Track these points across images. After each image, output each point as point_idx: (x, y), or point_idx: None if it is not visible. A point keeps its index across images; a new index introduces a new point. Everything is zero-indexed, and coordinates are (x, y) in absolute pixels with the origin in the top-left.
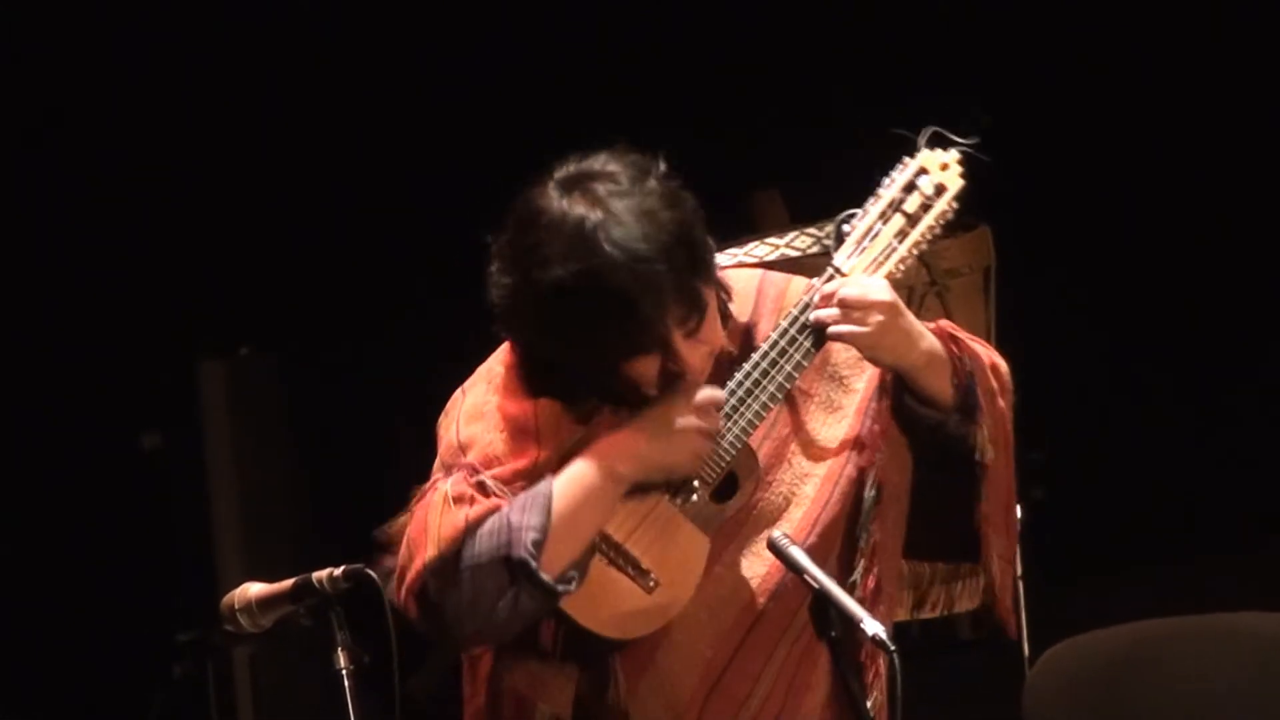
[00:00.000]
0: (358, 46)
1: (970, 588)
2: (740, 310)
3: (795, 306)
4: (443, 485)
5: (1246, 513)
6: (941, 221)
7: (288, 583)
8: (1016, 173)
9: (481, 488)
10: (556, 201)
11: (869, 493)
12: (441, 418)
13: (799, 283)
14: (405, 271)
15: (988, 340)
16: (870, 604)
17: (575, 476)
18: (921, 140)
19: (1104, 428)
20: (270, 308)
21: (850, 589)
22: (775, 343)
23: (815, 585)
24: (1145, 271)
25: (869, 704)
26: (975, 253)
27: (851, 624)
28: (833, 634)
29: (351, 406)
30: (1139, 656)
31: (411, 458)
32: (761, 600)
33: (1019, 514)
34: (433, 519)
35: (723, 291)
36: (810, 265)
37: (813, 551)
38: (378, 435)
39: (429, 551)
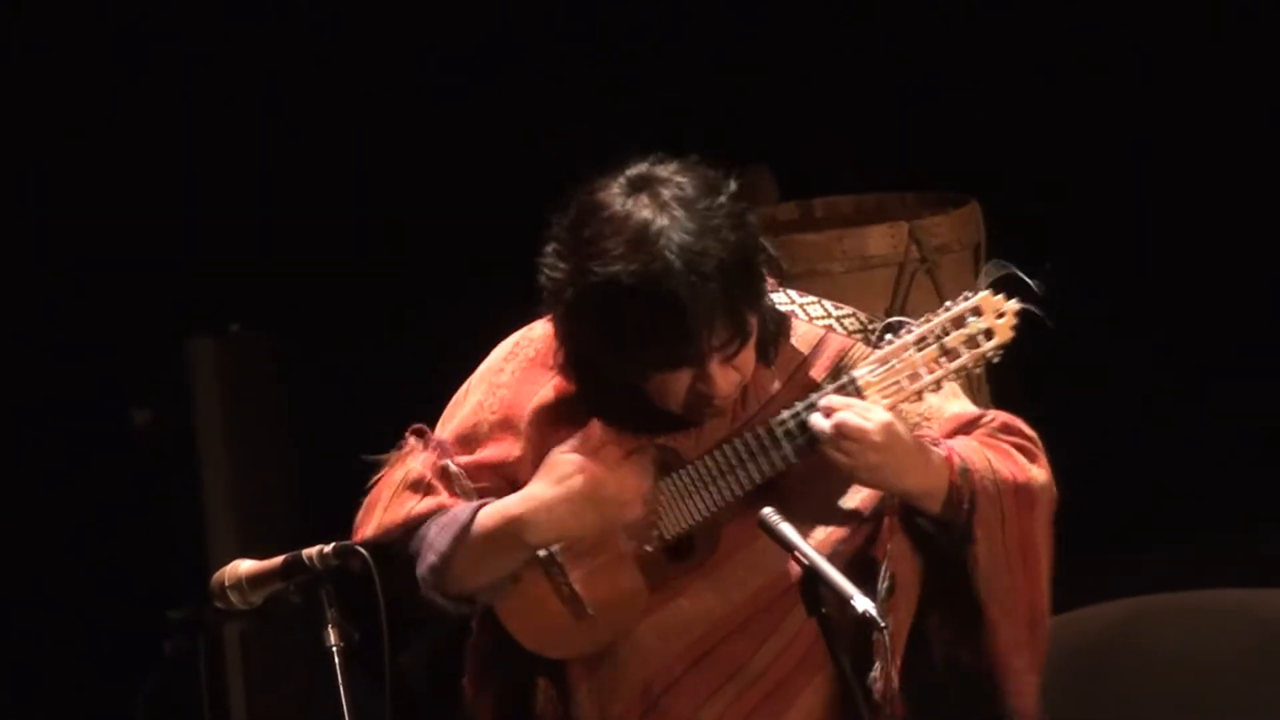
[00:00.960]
0: (351, 24)
1: None
2: (799, 345)
3: (805, 404)
4: (413, 463)
5: (1239, 492)
6: (979, 365)
7: (278, 560)
8: (1007, 148)
9: (443, 475)
10: (622, 199)
11: (883, 584)
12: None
13: (861, 349)
14: (398, 249)
15: None
16: (886, 701)
17: (490, 527)
18: (985, 279)
19: (1096, 405)
20: (261, 285)
21: (867, 687)
22: (782, 420)
23: (805, 562)
24: (1138, 247)
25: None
26: (965, 229)
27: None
28: (823, 611)
29: (343, 383)
30: (1131, 633)
31: (401, 435)
32: (718, 636)
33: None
34: (385, 496)
35: (773, 325)
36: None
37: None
38: (369, 412)
39: (370, 529)
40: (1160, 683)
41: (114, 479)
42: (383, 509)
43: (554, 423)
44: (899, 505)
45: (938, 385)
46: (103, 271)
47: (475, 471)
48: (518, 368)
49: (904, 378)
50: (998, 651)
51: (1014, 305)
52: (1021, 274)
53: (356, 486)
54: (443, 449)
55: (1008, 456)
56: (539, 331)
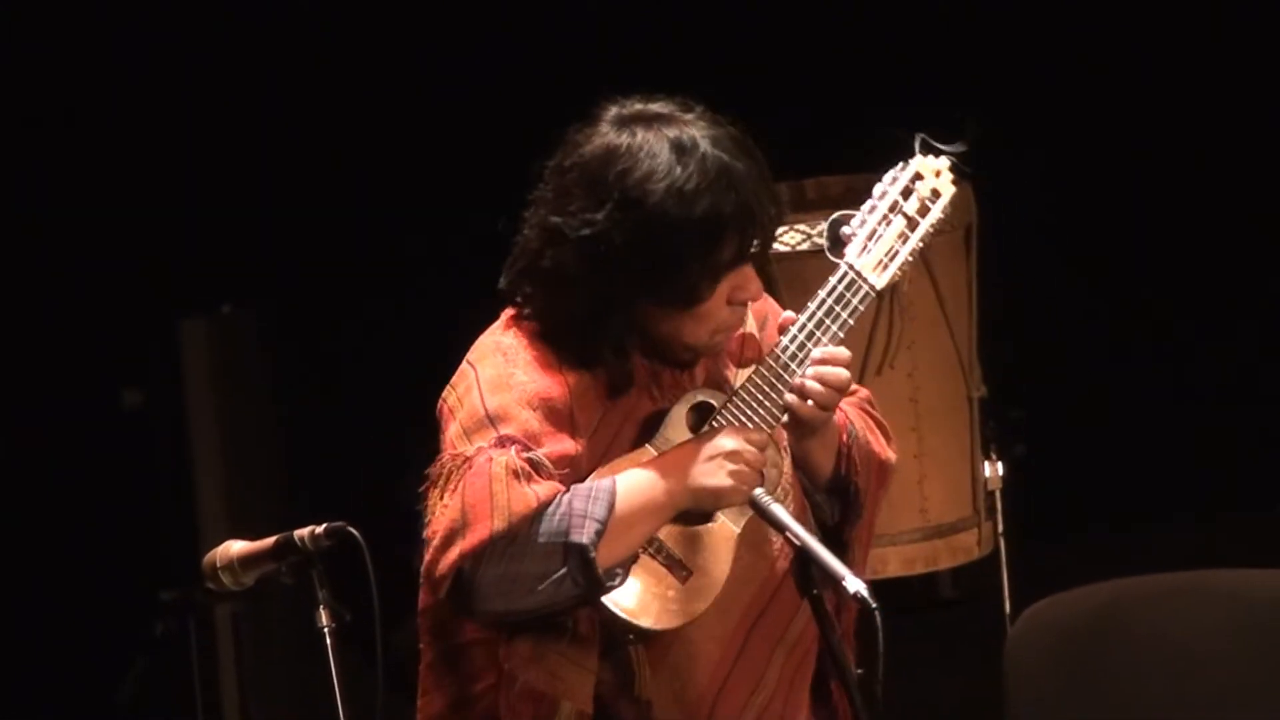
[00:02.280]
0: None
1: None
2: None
3: (808, 315)
4: (498, 456)
5: (1227, 470)
6: (935, 225)
7: (269, 541)
8: (999, 130)
9: (536, 466)
10: (629, 136)
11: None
12: (448, 391)
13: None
14: (387, 229)
15: (969, 297)
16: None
17: (639, 486)
18: (917, 146)
19: (1085, 384)
20: (252, 265)
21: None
22: (786, 346)
23: (796, 543)
24: (1127, 228)
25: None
26: (957, 210)
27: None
28: (815, 592)
29: (333, 364)
30: (1119, 614)
31: (394, 416)
32: (764, 600)
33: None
34: (499, 490)
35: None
36: (797, 261)
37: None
38: (359, 393)
39: (496, 524)
40: (1146, 665)
41: (105, 460)
42: (505, 503)
43: (592, 393)
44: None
45: (915, 256)
46: (94, 252)
47: (553, 463)
48: (527, 368)
49: (886, 255)
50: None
51: (945, 161)
52: (935, 143)
53: (346, 468)
54: (521, 443)
55: (874, 432)
56: (512, 339)
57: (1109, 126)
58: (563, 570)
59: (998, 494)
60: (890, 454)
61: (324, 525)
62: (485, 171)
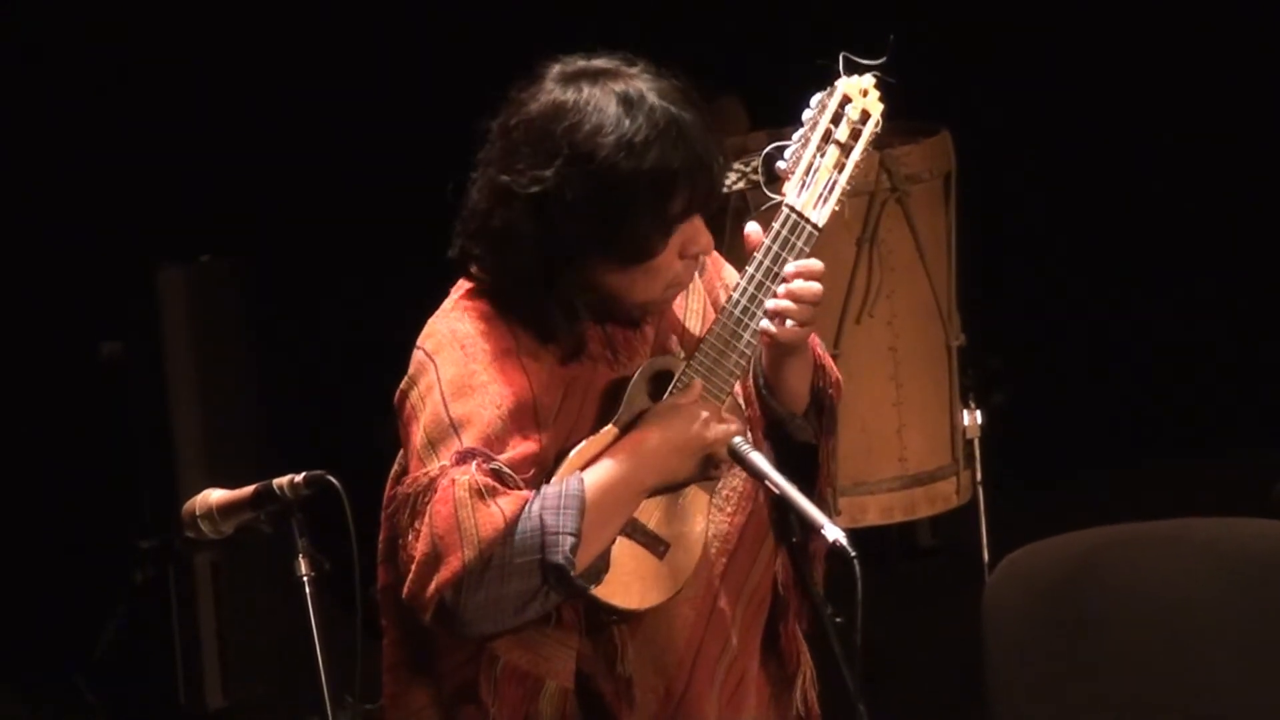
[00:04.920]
0: None
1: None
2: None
3: (756, 266)
4: (460, 476)
5: (1207, 418)
6: (868, 149)
7: (249, 489)
8: (977, 78)
9: (499, 477)
10: (574, 91)
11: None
12: (408, 385)
13: (730, 271)
14: (366, 180)
15: (948, 245)
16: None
17: (607, 481)
18: (840, 66)
19: (1064, 333)
20: (230, 215)
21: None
22: (738, 301)
23: (776, 490)
24: (1106, 176)
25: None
26: (936, 159)
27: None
28: (794, 540)
29: (311, 313)
30: (1098, 562)
31: (371, 364)
32: (725, 556)
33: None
34: (464, 516)
35: None
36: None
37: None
38: (337, 342)
39: (467, 552)
40: (1125, 614)
41: (83, 409)
42: (471, 528)
43: (554, 370)
44: (759, 401)
45: (852, 183)
46: (71, 202)
47: (516, 467)
48: (488, 364)
49: (825, 188)
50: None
51: (869, 79)
52: (857, 59)
53: (325, 416)
54: (484, 455)
55: (828, 359)
56: (468, 327)
57: (1087, 72)
58: (544, 587)
59: (976, 442)
60: (838, 373)
61: (303, 474)
62: (469, 125)
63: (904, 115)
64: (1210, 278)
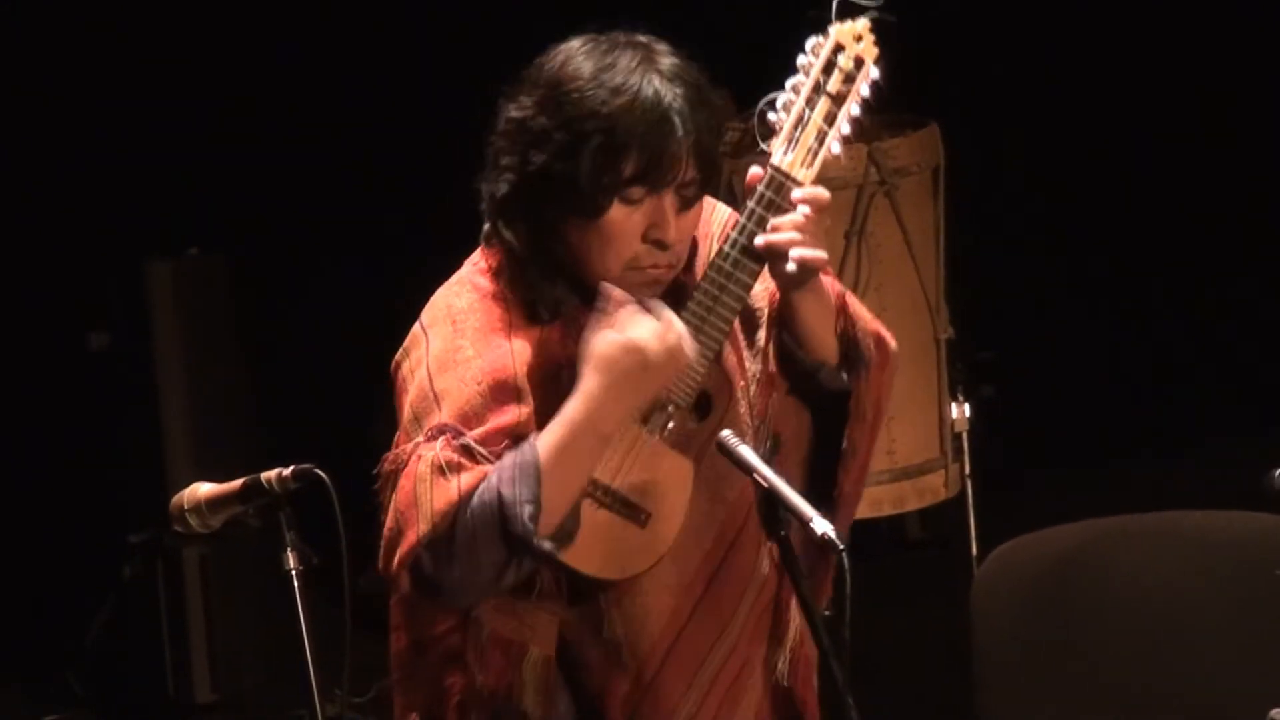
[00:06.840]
0: None
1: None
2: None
3: (740, 229)
4: (426, 452)
5: (1195, 411)
6: (864, 95)
7: (237, 483)
8: (966, 71)
9: (467, 452)
10: (590, 42)
11: (766, 445)
12: (401, 356)
13: (723, 210)
14: (354, 173)
15: (937, 238)
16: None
17: (559, 440)
18: (833, 14)
19: (1053, 326)
20: (218, 208)
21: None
22: (726, 254)
23: (764, 484)
24: (1094, 170)
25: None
26: (924, 152)
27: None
28: (783, 534)
29: (299, 307)
30: (1087, 555)
31: (359, 357)
32: (725, 547)
33: (966, 414)
34: (422, 491)
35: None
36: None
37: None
38: (325, 335)
39: (421, 527)
40: (1113, 607)
41: (71, 402)
42: (427, 502)
43: (555, 374)
44: (779, 355)
45: (846, 131)
46: (59, 195)
47: (489, 440)
48: (475, 339)
49: (814, 142)
50: (843, 492)
51: (864, 22)
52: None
53: (314, 410)
54: (453, 430)
55: (863, 308)
56: (464, 302)
57: (1076, 65)
58: (512, 555)
59: (965, 435)
60: (886, 333)
61: (291, 467)
62: (458, 116)
63: (892, 108)
64: (1198, 271)
